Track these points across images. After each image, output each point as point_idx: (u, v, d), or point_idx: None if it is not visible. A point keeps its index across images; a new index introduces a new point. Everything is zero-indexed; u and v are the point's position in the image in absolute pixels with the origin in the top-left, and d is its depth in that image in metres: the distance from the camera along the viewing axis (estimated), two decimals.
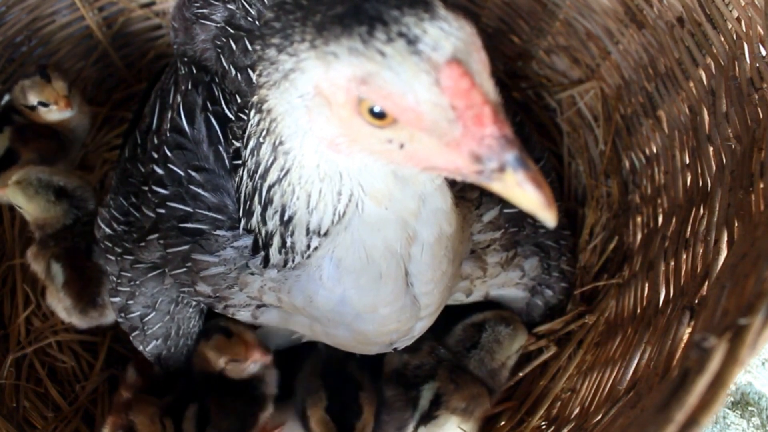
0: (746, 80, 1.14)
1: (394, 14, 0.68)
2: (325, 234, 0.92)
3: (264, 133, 0.88)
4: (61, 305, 1.51)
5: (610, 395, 1.18)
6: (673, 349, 1.03)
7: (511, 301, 1.42)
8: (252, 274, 1.06)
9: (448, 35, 0.68)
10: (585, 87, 1.76)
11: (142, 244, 1.21)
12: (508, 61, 1.94)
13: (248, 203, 0.99)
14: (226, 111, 1.18)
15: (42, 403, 1.49)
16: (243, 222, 1.04)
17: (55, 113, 1.71)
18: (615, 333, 1.34)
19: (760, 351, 0.69)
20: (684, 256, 1.20)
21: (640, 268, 1.38)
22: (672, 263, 1.24)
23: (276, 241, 0.97)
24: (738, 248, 0.97)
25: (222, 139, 1.15)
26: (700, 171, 1.27)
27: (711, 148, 1.24)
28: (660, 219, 1.42)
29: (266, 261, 1.01)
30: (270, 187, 0.91)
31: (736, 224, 1.02)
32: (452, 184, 0.97)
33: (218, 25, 1.30)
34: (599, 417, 1.15)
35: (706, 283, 1.04)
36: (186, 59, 1.31)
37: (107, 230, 1.34)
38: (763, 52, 1.13)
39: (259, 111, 0.87)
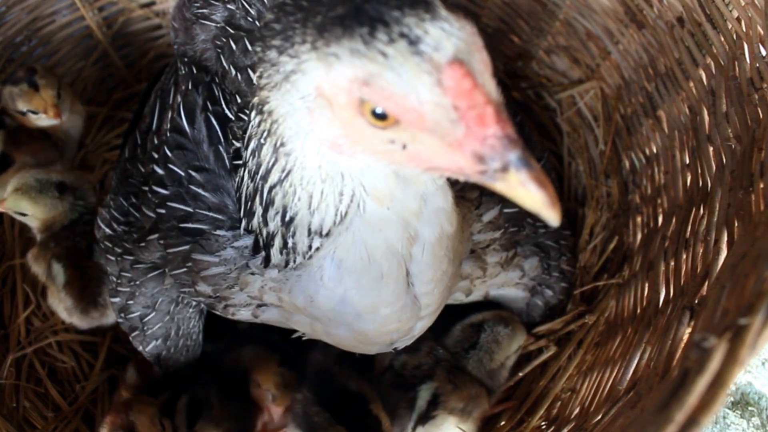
0: (746, 80, 1.14)
1: (395, 15, 0.68)
2: (327, 234, 0.92)
3: (265, 134, 0.88)
4: (62, 305, 1.51)
5: (610, 395, 1.18)
6: (673, 349, 1.03)
7: (511, 301, 1.42)
8: (252, 274, 1.06)
9: (449, 35, 0.68)
10: (585, 87, 1.76)
11: (143, 244, 1.21)
12: (508, 61, 1.94)
13: (249, 204, 0.99)
14: (227, 111, 1.18)
15: (42, 403, 1.49)
16: (244, 222, 1.03)
17: (44, 120, 1.70)
18: (615, 333, 1.34)
19: (760, 351, 0.69)
20: (684, 256, 1.20)
21: (640, 268, 1.38)
22: (672, 263, 1.24)
23: (277, 241, 0.97)
24: (738, 248, 0.97)
25: (222, 139, 1.15)
26: (700, 171, 1.27)
27: (711, 148, 1.24)
28: (660, 219, 1.42)
29: (267, 261, 1.01)
30: (271, 188, 0.91)
31: (736, 224, 1.02)
32: (452, 183, 0.97)
33: (218, 25, 1.30)
34: (599, 417, 1.15)
35: (706, 283, 1.04)
36: (186, 59, 1.31)
37: (107, 230, 1.34)
38: (763, 52, 1.13)
39: (260, 112, 0.87)
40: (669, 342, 1.05)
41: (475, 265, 1.22)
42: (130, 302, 1.28)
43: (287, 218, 0.92)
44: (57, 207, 1.53)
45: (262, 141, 0.89)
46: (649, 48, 1.51)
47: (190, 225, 1.12)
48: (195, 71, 1.26)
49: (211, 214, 1.11)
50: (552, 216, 0.71)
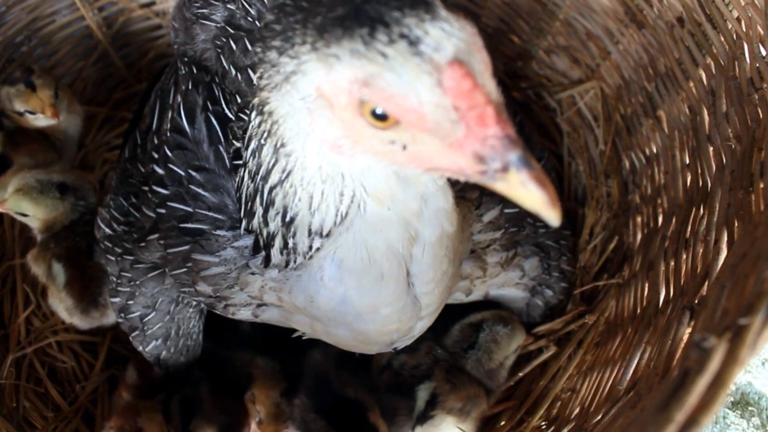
0: (746, 80, 1.14)
1: (395, 15, 0.68)
2: (327, 235, 0.92)
3: (265, 135, 0.88)
4: (62, 306, 1.51)
5: (610, 395, 1.18)
6: (673, 349, 1.03)
7: (511, 301, 1.42)
8: (252, 273, 1.06)
9: (449, 36, 0.68)
10: (585, 87, 1.76)
11: (143, 244, 1.21)
12: (508, 61, 1.94)
13: (249, 204, 0.99)
14: (227, 111, 1.18)
15: (42, 403, 1.49)
16: (244, 223, 1.03)
17: (42, 120, 1.70)
18: (615, 333, 1.34)
19: (760, 351, 0.69)
20: (684, 256, 1.20)
21: (640, 268, 1.38)
22: (672, 263, 1.24)
23: (278, 241, 0.97)
24: (738, 248, 0.97)
25: (222, 139, 1.15)
26: (700, 171, 1.27)
27: (711, 148, 1.24)
28: (660, 219, 1.42)
29: (267, 261, 1.01)
30: (272, 189, 0.91)
31: (736, 224, 1.02)
32: (453, 183, 0.97)
33: (218, 25, 1.30)
34: (599, 417, 1.15)
35: (706, 283, 1.04)
36: (186, 59, 1.31)
37: (107, 230, 1.34)
38: (763, 52, 1.13)
39: (261, 113, 0.87)
40: (669, 342, 1.05)
41: (475, 265, 1.22)
42: (130, 302, 1.28)
43: (288, 219, 0.92)
44: (58, 208, 1.53)
45: (262, 141, 0.89)
46: (649, 48, 1.51)
47: (190, 225, 1.12)
48: (195, 71, 1.26)
49: (211, 214, 1.11)
50: (552, 216, 0.71)
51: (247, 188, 0.98)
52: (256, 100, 0.88)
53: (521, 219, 1.26)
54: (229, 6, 1.30)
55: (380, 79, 0.68)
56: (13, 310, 1.63)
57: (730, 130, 1.17)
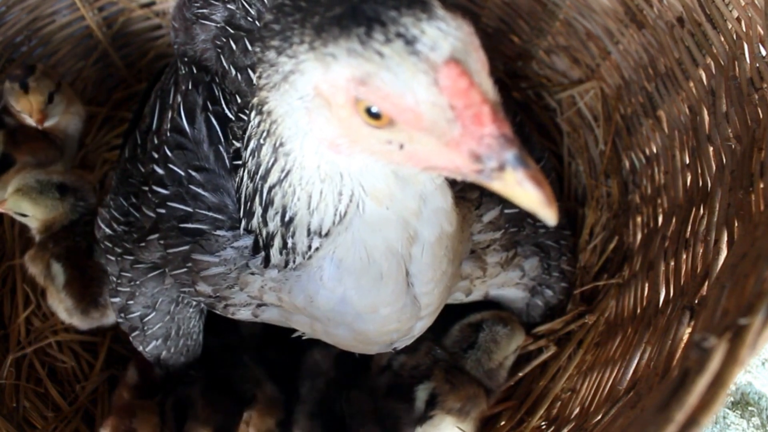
0: (746, 80, 1.14)
1: (391, 15, 0.68)
2: (326, 234, 0.92)
3: (264, 134, 0.88)
4: (62, 306, 1.50)
5: (610, 395, 1.18)
6: (673, 349, 1.03)
7: (511, 301, 1.42)
8: (252, 274, 1.06)
9: (446, 35, 0.68)
10: (585, 87, 1.76)
11: (143, 244, 1.21)
12: (508, 61, 1.94)
13: (249, 204, 0.99)
14: (227, 111, 1.18)
15: (42, 403, 1.49)
16: (243, 222, 1.04)
17: (30, 121, 1.69)
18: (615, 333, 1.34)
19: (760, 351, 0.69)
20: (684, 256, 1.20)
21: (640, 268, 1.38)
22: (672, 263, 1.24)
23: (277, 241, 0.97)
24: (738, 248, 0.97)
25: (222, 139, 1.15)
26: (700, 171, 1.27)
27: (711, 148, 1.23)
28: (660, 219, 1.42)
29: (267, 261, 1.01)
30: (271, 189, 0.91)
31: (736, 224, 1.02)
32: (452, 183, 0.97)
33: (218, 25, 1.30)
34: (599, 417, 1.15)
35: (706, 283, 1.04)
36: (186, 59, 1.31)
37: (107, 230, 1.34)
38: (763, 52, 1.13)
39: (260, 113, 0.87)
40: (669, 342, 1.05)
41: (475, 265, 1.22)
42: (130, 302, 1.28)
43: (287, 218, 0.92)
44: (58, 208, 1.53)
45: (261, 141, 0.89)
46: (649, 48, 1.51)
47: (190, 225, 1.12)
48: (195, 71, 1.26)
49: (211, 214, 1.11)
50: (549, 215, 0.71)
51: (247, 188, 0.98)
52: (255, 100, 0.88)
53: (521, 219, 1.26)
54: (229, 6, 1.30)
55: (377, 78, 0.68)
56: (13, 310, 1.63)
57: (730, 130, 1.17)
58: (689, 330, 1.02)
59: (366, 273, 0.94)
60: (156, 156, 1.22)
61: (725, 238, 1.04)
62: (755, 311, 0.65)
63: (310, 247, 0.94)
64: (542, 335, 1.45)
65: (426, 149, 0.73)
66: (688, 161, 1.36)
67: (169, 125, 1.22)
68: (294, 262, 0.98)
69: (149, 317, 1.28)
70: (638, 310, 1.31)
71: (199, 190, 1.13)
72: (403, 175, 0.87)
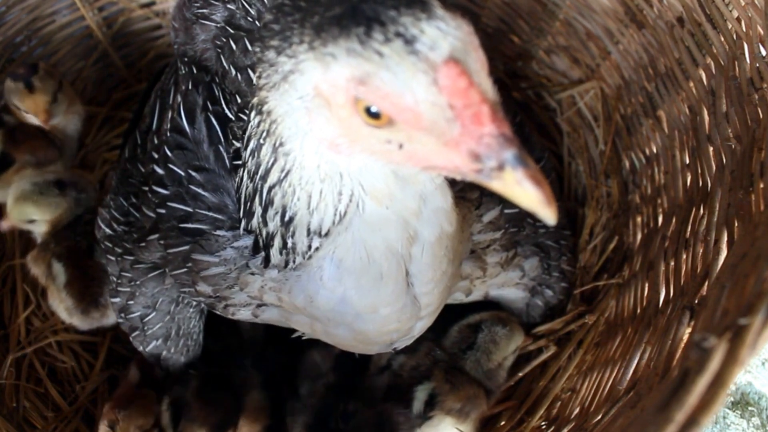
0: (746, 80, 1.14)
1: (391, 14, 0.68)
2: (326, 234, 0.92)
3: (264, 134, 0.88)
4: (62, 305, 1.50)
5: (610, 395, 1.18)
6: (673, 349, 1.03)
7: (511, 301, 1.42)
8: (252, 274, 1.06)
9: (445, 35, 0.68)
10: (585, 87, 1.76)
11: (143, 244, 1.21)
12: (508, 61, 1.94)
13: (249, 204, 0.99)
14: (227, 111, 1.18)
15: (42, 403, 1.49)
16: (243, 223, 1.04)
17: (33, 120, 1.69)
18: (615, 333, 1.34)
19: (760, 351, 0.69)
20: (684, 256, 1.20)
21: (640, 268, 1.38)
22: (672, 263, 1.24)
23: (277, 241, 0.97)
24: (738, 248, 0.97)
25: (222, 139, 1.15)
26: (700, 171, 1.27)
27: (711, 148, 1.24)
28: (660, 219, 1.42)
29: (267, 261, 1.01)
30: (270, 189, 0.91)
31: (736, 224, 1.02)
32: (452, 183, 0.97)
33: (218, 25, 1.30)
34: (599, 417, 1.15)
35: (706, 283, 1.04)
36: (186, 59, 1.31)
37: (107, 230, 1.34)
38: (763, 52, 1.13)
39: (259, 113, 0.87)
40: (669, 342, 1.05)
41: (475, 266, 1.22)
42: (131, 302, 1.28)
43: (287, 218, 0.92)
44: (62, 204, 1.54)
45: (261, 141, 0.89)
46: (649, 48, 1.51)
47: (190, 225, 1.12)
48: (195, 71, 1.26)
49: (211, 214, 1.11)
50: (548, 214, 0.71)
51: (246, 188, 0.98)
52: (255, 100, 0.88)
53: (521, 219, 1.26)
54: (229, 6, 1.30)
55: (376, 77, 0.68)
56: (13, 310, 1.63)
57: (730, 130, 1.17)
58: (689, 330, 1.02)
59: (366, 273, 0.94)
60: (156, 156, 1.22)
61: (725, 238, 1.04)
62: (755, 311, 0.65)
63: (310, 247, 0.94)
64: (542, 335, 1.45)
65: (425, 149, 0.73)
66: (688, 161, 1.36)
67: (169, 125, 1.22)
68: (294, 262, 0.98)
69: (149, 317, 1.28)
70: (638, 310, 1.31)
71: (199, 190, 1.13)
72: (403, 175, 0.87)
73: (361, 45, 0.68)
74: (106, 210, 1.36)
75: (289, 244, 0.95)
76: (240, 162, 1.00)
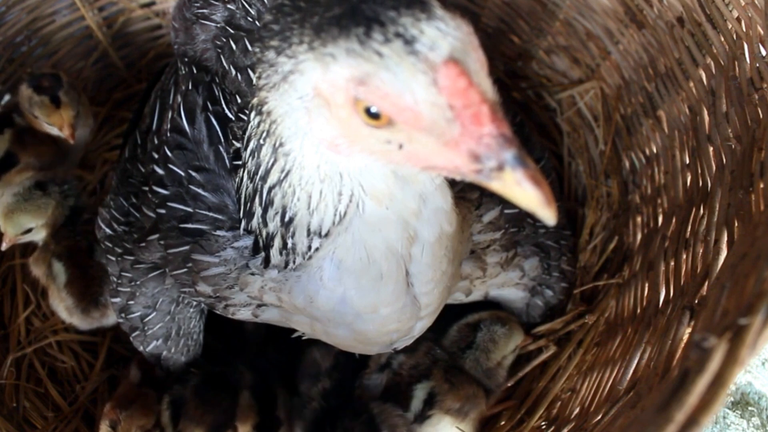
0: (746, 80, 1.14)
1: (390, 15, 0.68)
2: (326, 235, 0.92)
3: (264, 134, 0.88)
4: (63, 305, 1.50)
5: (610, 395, 1.18)
6: (673, 349, 1.03)
7: (511, 301, 1.42)
8: (252, 274, 1.06)
9: (445, 35, 0.68)
10: (585, 87, 1.76)
11: (143, 244, 1.21)
12: (508, 61, 1.94)
13: (249, 204, 0.99)
14: (227, 111, 1.18)
15: (42, 403, 1.49)
16: (243, 223, 1.04)
17: (56, 132, 1.65)
18: (615, 333, 1.34)
19: (760, 351, 0.69)
20: (684, 256, 1.20)
21: (640, 268, 1.38)
22: (672, 263, 1.24)
23: (277, 242, 0.97)
24: (738, 248, 0.97)
25: (222, 139, 1.15)
26: (700, 171, 1.27)
27: (711, 148, 1.24)
28: (660, 219, 1.42)
29: (267, 261, 1.01)
30: (270, 189, 0.91)
31: (736, 224, 1.02)
32: (452, 183, 0.97)
33: (218, 25, 1.30)
34: (599, 417, 1.15)
35: (706, 283, 1.04)
36: (186, 59, 1.31)
37: (107, 230, 1.34)
38: (763, 52, 1.13)
39: (259, 113, 0.87)
40: (669, 342, 1.05)
41: (475, 266, 1.22)
42: (131, 302, 1.29)
43: (287, 219, 0.92)
44: (49, 203, 1.53)
45: (261, 141, 0.89)
46: (649, 48, 1.51)
47: (190, 225, 1.12)
48: (195, 71, 1.26)
49: (211, 214, 1.11)
50: (548, 215, 0.71)
51: (246, 188, 0.98)
52: (255, 100, 0.88)
53: (521, 219, 1.26)
54: (229, 6, 1.30)
55: (376, 78, 0.68)
56: (13, 310, 1.63)
57: (730, 130, 1.17)
58: (689, 330, 1.02)
59: (366, 273, 0.94)
60: (156, 156, 1.22)
61: (725, 238, 1.04)
62: (755, 311, 0.65)
63: (310, 248, 0.94)
64: (542, 335, 1.45)
65: (425, 149, 0.73)
66: (688, 161, 1.36)
67: (169, 125, 1.22)
68: (294, 262, 0.98)
69: (150, 317, 1.28)
70: (638, 310, 1.31)
71: (199, 191, 1.13)
72: (402, 175, 0.87)
73: (360, 45, 0.68)
74: (106, 210, 1.36)
75: (289, 245, 0.95)
76: (240, 162, 1.00)
